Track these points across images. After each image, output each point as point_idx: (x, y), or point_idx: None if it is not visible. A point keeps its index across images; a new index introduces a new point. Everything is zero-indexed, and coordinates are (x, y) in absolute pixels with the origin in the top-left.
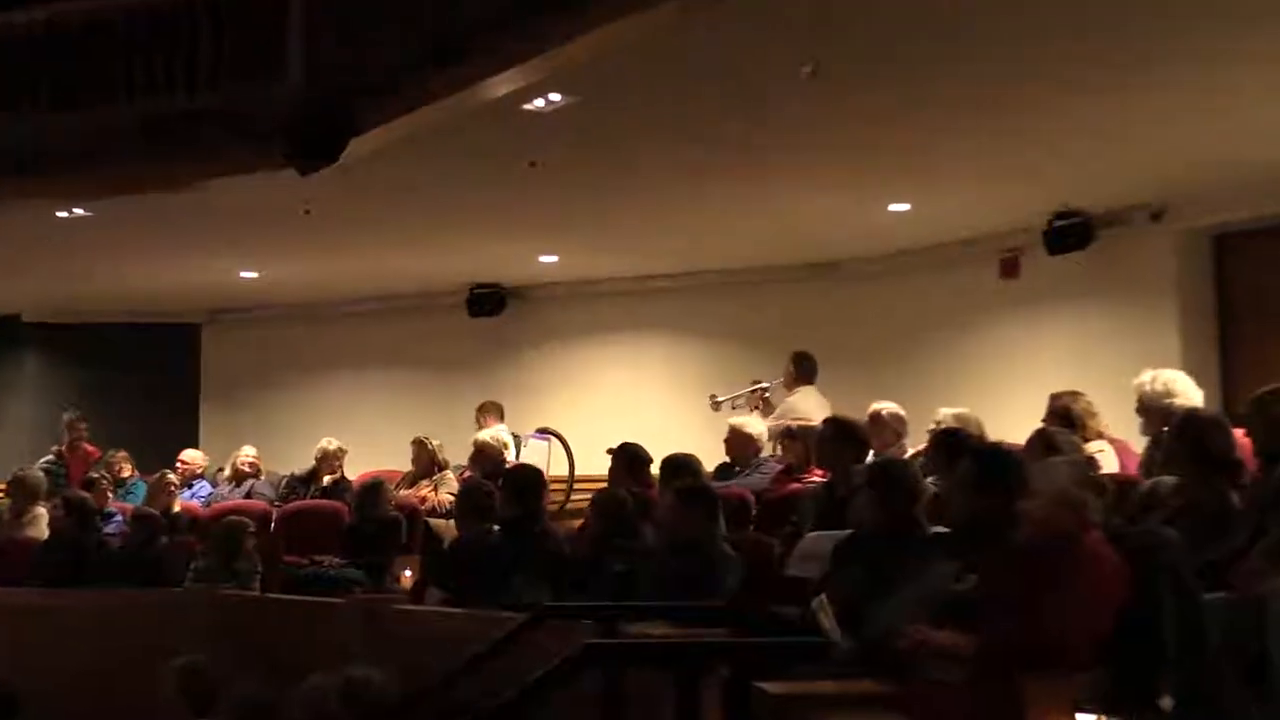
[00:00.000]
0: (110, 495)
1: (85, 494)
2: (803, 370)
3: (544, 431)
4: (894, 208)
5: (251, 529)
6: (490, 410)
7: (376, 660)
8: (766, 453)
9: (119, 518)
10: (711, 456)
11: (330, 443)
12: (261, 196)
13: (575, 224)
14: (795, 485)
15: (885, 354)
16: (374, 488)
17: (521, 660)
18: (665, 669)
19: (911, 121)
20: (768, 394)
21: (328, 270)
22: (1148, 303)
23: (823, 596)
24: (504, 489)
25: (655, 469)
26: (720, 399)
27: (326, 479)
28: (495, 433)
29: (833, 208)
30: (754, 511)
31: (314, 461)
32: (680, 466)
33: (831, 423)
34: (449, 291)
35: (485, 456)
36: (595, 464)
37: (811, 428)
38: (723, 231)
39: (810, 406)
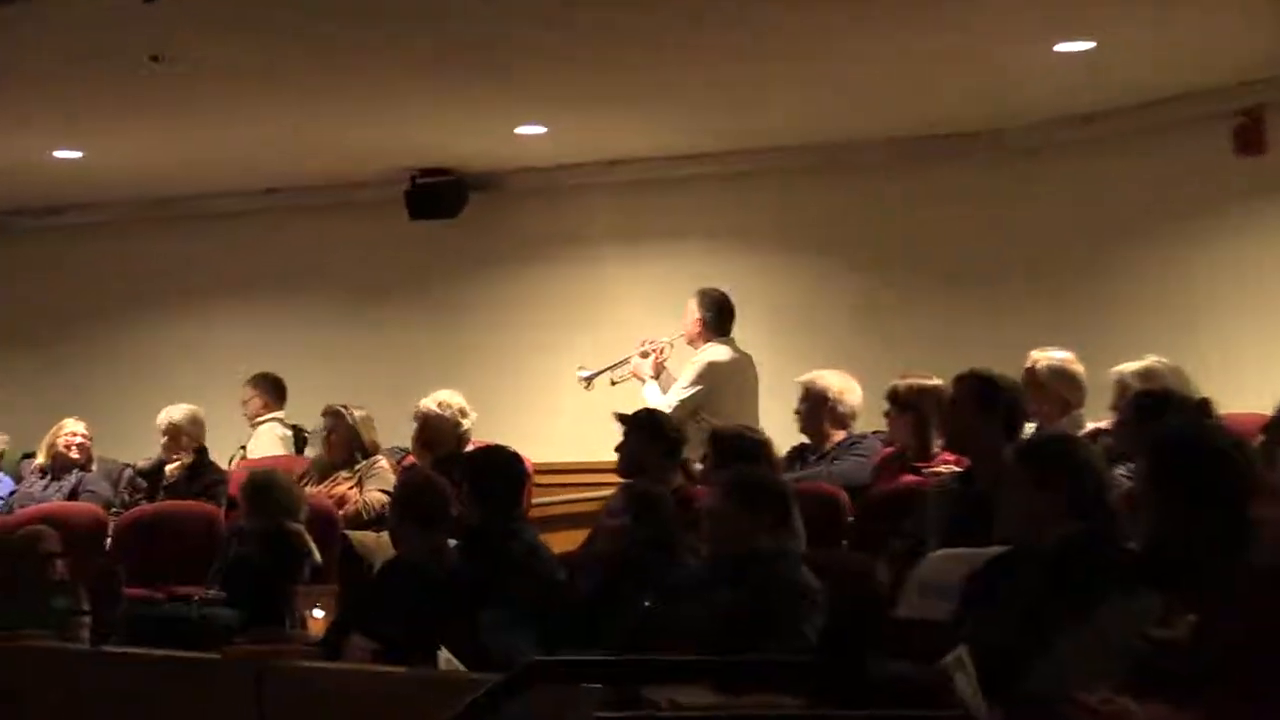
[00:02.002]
0: None
1: None
2: (715, 316)
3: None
4: (1065, 47)
5: (55, 548)
6: (262, 386)
7: None
8: (860, 426)
9: None
10: (784, 431)
11: (177, 413)
12: (89, 35)
13: (577, 75)
14: (911, 477)
15: (1045, 271)
16: (264, 485)
17: None
18: None
19: None
20: (664, 356)
21: (186, 149)
22: None
23: (962, 650)
24: (464, 482)
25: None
26: (590, 373)
27: (171, 469)
28: (446, 398)
29: (971, 47)
30: (848, 517)
31: (161, 441)
32: (735, 447)
33: (969, 382)
34: (378, 181)
35: (434, 433)
36: (600, 444)
37: (931, 389)
38: (796, 88)
39: (728, 364)
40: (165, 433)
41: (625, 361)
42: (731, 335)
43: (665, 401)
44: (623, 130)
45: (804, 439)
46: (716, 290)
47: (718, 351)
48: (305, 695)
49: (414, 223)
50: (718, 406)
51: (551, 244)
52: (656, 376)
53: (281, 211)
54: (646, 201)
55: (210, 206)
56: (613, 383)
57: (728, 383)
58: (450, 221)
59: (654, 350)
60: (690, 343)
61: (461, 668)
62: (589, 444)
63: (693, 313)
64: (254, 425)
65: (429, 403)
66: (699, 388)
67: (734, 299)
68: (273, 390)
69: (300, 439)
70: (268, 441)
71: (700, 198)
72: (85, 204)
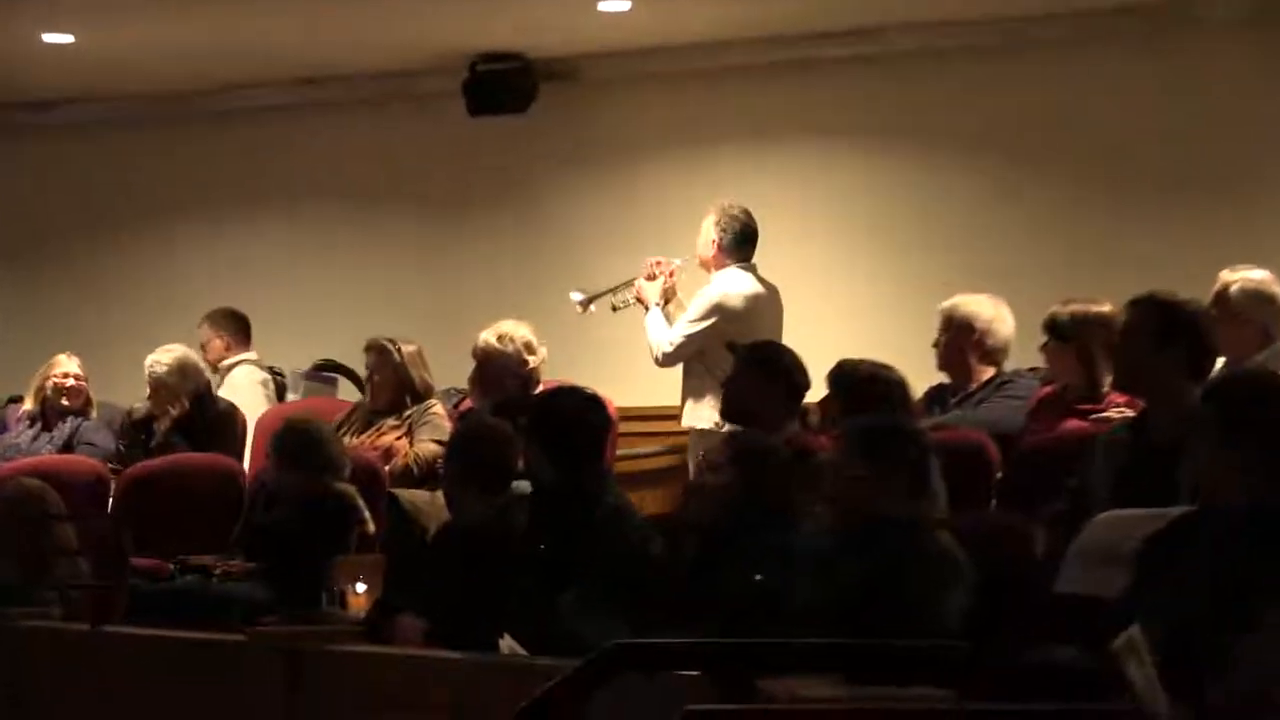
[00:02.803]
0: None
1: None
2: (734, 238)
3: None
4: None
5: (57, 510)
6: (223, 325)
7: None
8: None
9: None
10: (920, 370)
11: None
12: None
13: None
14: (1074, 423)
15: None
16: (304, 435)
17: None
18: None
19: None
20: (674, 280)
21: (201, 34)
22: None
23: (1133, 630)
24: (532, 433)
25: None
26: (587, 296)
27: (159, 426)
28: (509, 330)
29: None
30: (997, 472)
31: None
32: (862, 389)
33: (1145, 308)
34: (431, 70)
35: (494, 373)
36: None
37: (1099, 317)
38: None
39: (746, 296)
40: (149, 384)
41: (629, 284)
42: (753, 261)
43: (669, 336)
44: (727, 3)
45: (943, 378)
46: (737, 206)
47: (734, 280)
48: (345, 684)
49: (474, 119)
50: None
51: (638, 145)
52: (666, 304)
53: (315, 108)
54: (757, 90)
55: (230, 102)
56: (614, 308)
57: (743, 319)
58: (517, 118)
59: (663, 272)
60: (704, 267)
61: (524, 654)
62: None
63: (707, 232)
64: (219, 371)
65: (488, 335)
66: (708, 322)
67: (862, 206)
68: (236, 328)
69: (280, 386)
70: (245, 389)
71: (819, 86)
72: (80, 98)
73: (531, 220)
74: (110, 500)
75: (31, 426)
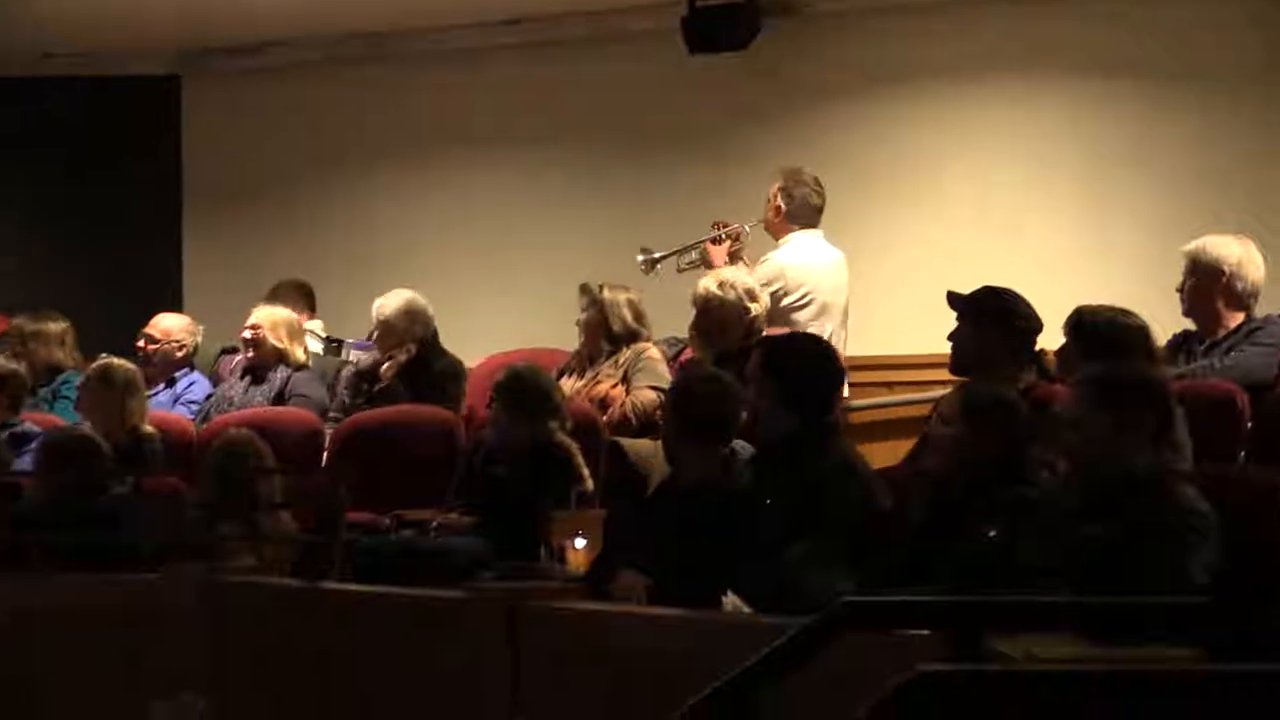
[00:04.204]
0: (12, 401)
1: None
2: (800, 204)
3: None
4: None
5: (267, 462)
6: (289, 296)
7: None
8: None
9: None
10: (1165, 314)
11: (389, 304)
12: None
13: None
14: None
15: None
16: (527, 383)
17: (800, 699)
18: None
19: None
20: (740, 244)
21: None
22: None
23: None
24: (759, 382)
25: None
26: (656, 256)
27: (385, 371)
28: (731, 276)
29: None
30: (1248, 424)
31: (384, 327)
32: (1103, 336)
33: None
34: (648, 6)
35: (716, 321)
36: (927, 333)
37: None
38: None
39: (810, 265)
40: (376, 329)
41: (695, 246)
42: (820, 228)
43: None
44: None
45: (1189, 325)
46: (801, 170)
47: (798, 248)
48: (565, 642)
49: (693, 57)
50: (790, 316)
51: (865, 82)
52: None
53: (527, 48)
54: (988, 22)
55: (440, 42)
56: (679, 270)
57: (803, 287)
58: (738, 56)
59: (729, 235)
60: (769, 231)
61: (748, 611)
62: (912, 333)
63: (774, 197)
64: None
65: (708, 283)
66: (769, 290)
67: (1104, 144)
68: (300, 296)
69: (335, 354)
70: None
71: (1056, 17)
72: (288, 41)
73: (753, 161)
74: (325, 453)
75: (243, 378)
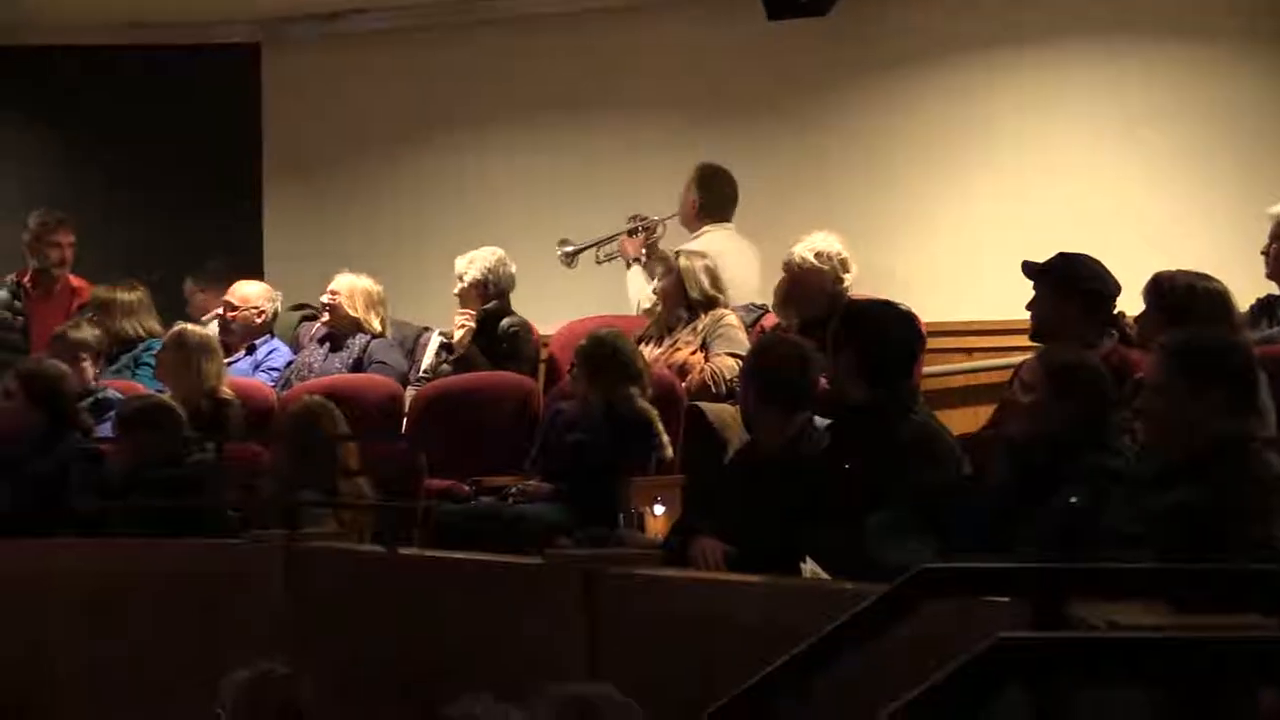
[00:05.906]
0: (95, 369)
1: (59, 366)
2: (713, 197)
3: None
4: None
5: (341, 429)
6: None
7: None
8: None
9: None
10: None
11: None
12: None
13: None
14: None
15: None
16: (609, 349)
17: (880, 666)
18: (1168, 691)
19: None
20: (656, 237)
21: None
22: None
23: None
24: (843, 349)
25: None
26: (572, 248)
27: (459, 337)
28: (823, 245)
29: None
30: None
31: (457, 296)
32: (1180, 300)
33: None
34: None
35: (805, 290)
36: (1006, 299)
37: None
38: None
39: (722, 258)
40: (458, 293)
41: (612, 238)
42: (732, 221)
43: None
44: None
45: (1273, 288)
46: (715, 165)
47: (711, 241)
48: (644, 608)
49: (773, 23)
50: None
51: (950, 51)
52: (647, 260)
53: (604, 14)
54: None
55: (518, 7)
56: (598, 261)
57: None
58: (819, 21)
59: (646, 229)
60: (685, 225)
61: (828, 577)
62: (992, 299)
63: (688, 191)
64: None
65: (803, 250)
66: None
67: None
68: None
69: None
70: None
71: None
72: (368, 8)
73: (834, 129)
74: (404, 420)
75: (322, 345)
